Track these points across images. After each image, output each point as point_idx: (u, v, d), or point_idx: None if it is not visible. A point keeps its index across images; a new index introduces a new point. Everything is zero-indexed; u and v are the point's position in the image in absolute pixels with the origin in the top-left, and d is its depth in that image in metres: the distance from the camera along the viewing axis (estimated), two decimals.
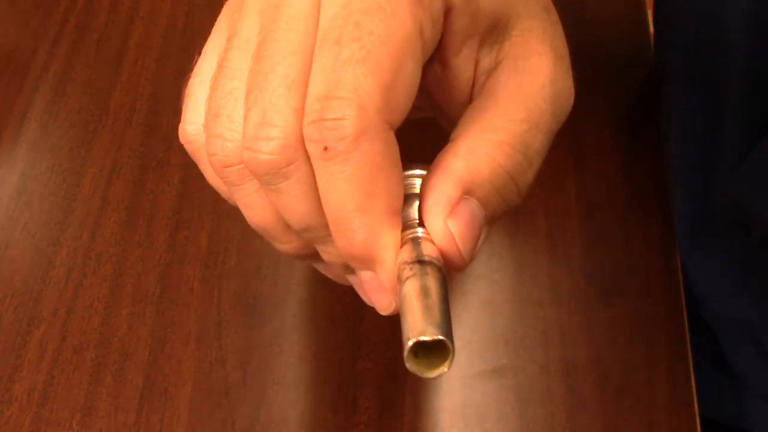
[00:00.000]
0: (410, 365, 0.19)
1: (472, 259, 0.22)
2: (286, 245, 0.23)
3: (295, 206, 0.21)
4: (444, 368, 0.19)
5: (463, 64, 0.23)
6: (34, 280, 0.43)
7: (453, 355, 0.19)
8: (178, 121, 0.24)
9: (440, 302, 0.20)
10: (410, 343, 0.19)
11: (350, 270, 0.23)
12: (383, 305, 0.22)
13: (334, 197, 0.20)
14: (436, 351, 0.19)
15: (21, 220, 0.46)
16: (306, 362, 0.40)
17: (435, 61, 0.23)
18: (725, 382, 0.48)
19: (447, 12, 0.21)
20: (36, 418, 0.39)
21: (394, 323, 0.45)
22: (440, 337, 0.19)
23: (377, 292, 0.22)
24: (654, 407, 0.39)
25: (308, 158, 0.20)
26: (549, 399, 0.39)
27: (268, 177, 0.20)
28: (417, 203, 0.22)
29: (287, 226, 0.22)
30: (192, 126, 0.23)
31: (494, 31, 0.22)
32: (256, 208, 0.22)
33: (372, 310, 0.41)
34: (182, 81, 0.24)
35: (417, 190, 0.22)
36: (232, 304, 0.42)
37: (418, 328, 0.19)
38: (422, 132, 0.26)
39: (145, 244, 0.44)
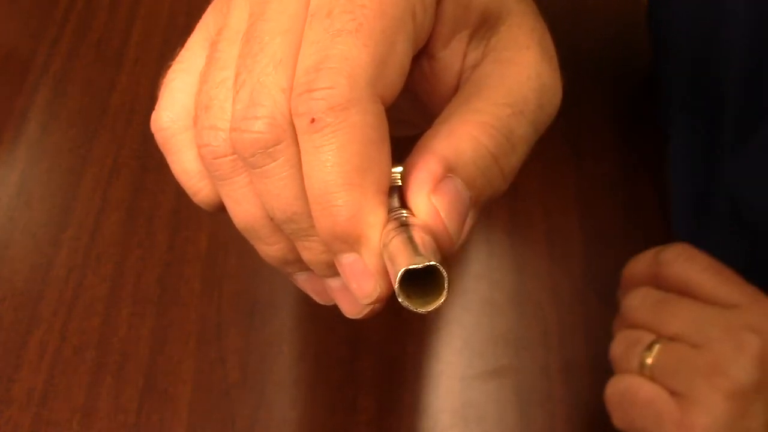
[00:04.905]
0: (402, 300, 0.18)
1: (459, 240, 0.21)
2: (272, 247, 0.23)
3: (281, 191, 0.20)
4: (440, 298, 0.18)
5: (450, 57, 0.22)
6: (34, 280, 0.43)
7: (448, 283, 0.18)
8: None
9: (429, 246, 0.19)
10: (401, 272, 0.17)
11: (331, 270, 0.22)
12: (367, 291, 0.20)
13: (319, 172, 0.19)
14: (430, 288, 0.18)
15: (21, 220, 0.46)
16: (306, 362, 0.41)
17: (423, 54, 0.22)
18: None
19: (439, 0, 0.21)
20: (36, 418, 0.39)
21: (393, 324, 0.45)
22: (431, 263, 0.17)
23: (361, 276, 0.20)
24: None
25: (296, 140, 0.20)
26: (549, 399, 0.39)
27: (255, 158, 0.20)
28: (397, 195, 0.21)
29: (273, 225, 0.22)
30: (167, 113, 0.23)
31: (484, 26, 0.22)
32: (244, 203, 0.22)
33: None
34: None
35: (398, 183, 0.21)
36: (231, 305, 0.42)
37: (407, 261, 0.18)
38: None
39: (145, 244, 0.44)
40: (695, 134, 0.45)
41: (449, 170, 0.20)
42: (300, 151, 0.20)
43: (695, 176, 0.46)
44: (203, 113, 0.21)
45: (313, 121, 0.19)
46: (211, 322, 0.42)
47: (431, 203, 0.20)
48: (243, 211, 0.22)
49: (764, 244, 0.41)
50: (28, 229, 0.45)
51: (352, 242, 0.20)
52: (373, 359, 0.40)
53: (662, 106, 0.47)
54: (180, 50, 0.23)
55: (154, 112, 0.23)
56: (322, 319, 0.42)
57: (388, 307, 0.46)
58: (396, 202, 0.21)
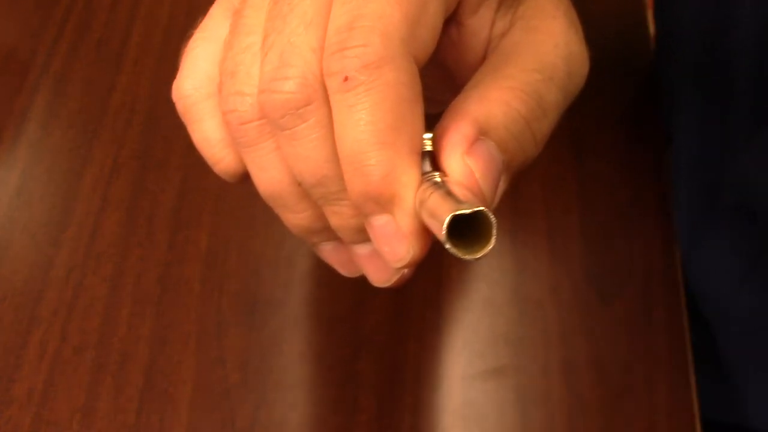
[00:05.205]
0: (450, 247, 0.18)
1: (493, 201, 0.21)
2: (299, 215, 0.22)
3: (311, 153, 0.20)
4: (489, 245, 0.18)
5: (478, 24, 0.23)
6: (34, 280, 0.43)
7: (496, 228, 0.18)
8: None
9: (470, 198, 0.19)
10: (449, 217, 0.17)
11: (361, 236, 0.22)
12: (400, 254, 0.20)
13: (352, 131, 0.19)
14: (474, 237, 0.18)
15: (21, 220, 0.46)
16: (306, 362, 0.40)
17: (452, 22, 0.23)
18: (722, 383, 0.48)
19: None
20: (36, 418, 0.39)
21: (393, 323, 0.45)
22: (480, 208, 0.17)
23: (393, 238, 0.20)
24: (654, 407, 0.39)
25: (327, 101, 0.20)
26: (549, 399, 0.39)
27: (285, 120, 0.20)
28: (429, 160, 0.21)
29: (300, 191, 0.22)
30: (189, 81, 0.22)
31: None
32: (270, 170, 0.21)
33: (372, 309, 0.41)
34: None
35: (429, 149, 0.21)
36: (231, 305, 0.42)
37: (452, 209, 0.18)
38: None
39: (145, 244, 0.44)
40: (698, 135, 0.45)
41: (482, 133, 0.20)
42: (330, 112, 0.20)
43: (697, 177, 0.46)
44: (229, 79, 0.21)
45: (346, 79, 0.19)
46: (211, 322, 0.42)
47: (466, 164, 0.20)
48: (269, 178, 0.22)
49: None
50: (28, 229, 0.45)
51: (384, 203, 0.20)
52: (374, 359, 0.40)
53: (665, 106, 0.47)
54: (202, 19, 0.23)
55: (175, 81, 0.23)
56: (323, 319, 0.42)
57: (388, 308, 0.46)
58: (428, 167, 0.21)
